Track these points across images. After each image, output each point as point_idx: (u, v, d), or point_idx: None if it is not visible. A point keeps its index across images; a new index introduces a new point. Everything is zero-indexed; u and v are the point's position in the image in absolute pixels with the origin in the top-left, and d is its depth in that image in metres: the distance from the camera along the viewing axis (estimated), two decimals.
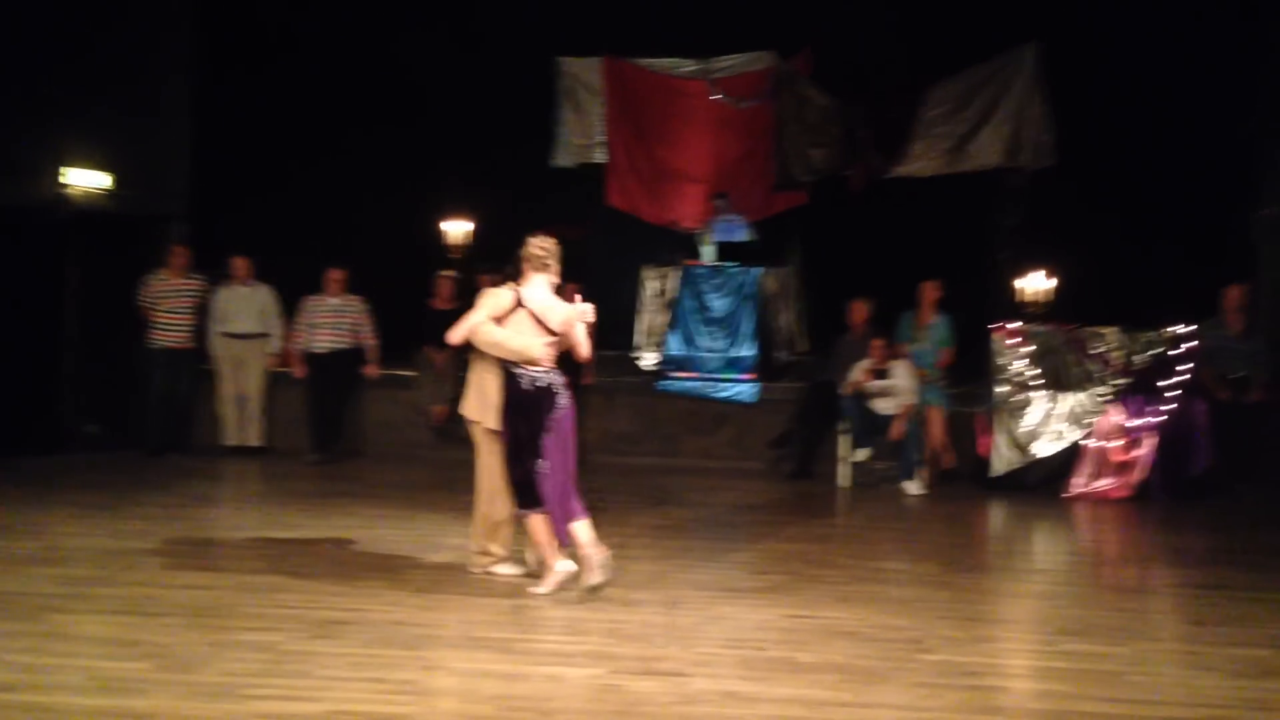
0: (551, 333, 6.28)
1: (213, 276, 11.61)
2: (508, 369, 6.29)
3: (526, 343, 6.22)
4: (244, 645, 5.43)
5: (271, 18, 13.15)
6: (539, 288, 6.37)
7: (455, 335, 6.40)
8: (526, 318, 6.27)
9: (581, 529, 6.27)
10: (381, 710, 4.70)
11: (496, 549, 6.77)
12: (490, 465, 6.61)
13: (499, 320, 6.28)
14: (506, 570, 6.71)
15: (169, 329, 11.19)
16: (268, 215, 12.43)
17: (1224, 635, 6.05)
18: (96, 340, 11.52)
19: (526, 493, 6.27)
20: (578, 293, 6.48)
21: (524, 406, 6.23)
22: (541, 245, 6.40)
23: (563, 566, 6.28)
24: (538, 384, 6.24)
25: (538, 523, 6.28)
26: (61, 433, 11.31)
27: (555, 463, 6.22)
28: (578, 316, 6.36)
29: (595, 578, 6.16)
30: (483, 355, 6.49)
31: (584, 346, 6.45)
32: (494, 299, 6.32)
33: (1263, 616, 6.43)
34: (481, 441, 6.66)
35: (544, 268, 6.38)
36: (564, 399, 6.29)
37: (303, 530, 7.99)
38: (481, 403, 6.59)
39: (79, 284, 11.39)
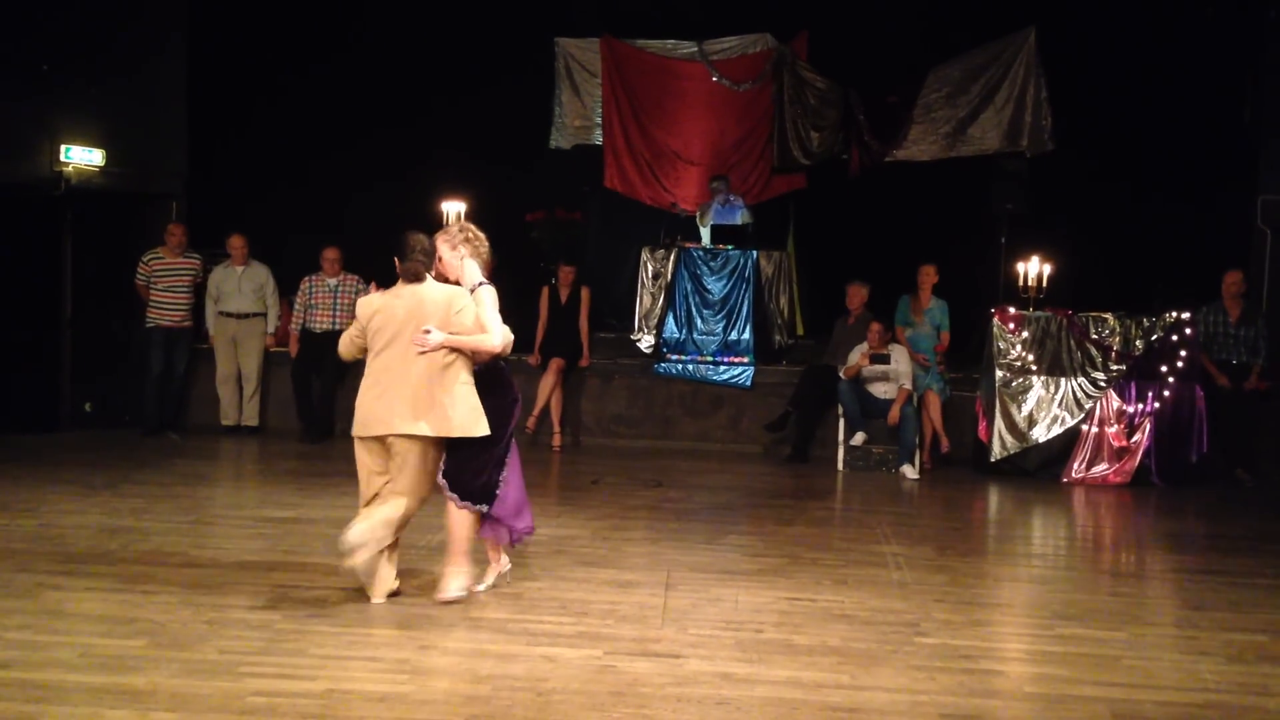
0: None
1: (210, 255, 11.58)
2: (499, 365, 6.01)
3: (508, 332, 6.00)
4: (241, 624, 5.43)
5: None
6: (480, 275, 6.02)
7: (502, 344, 5.89)
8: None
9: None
10: (377, 689, 4.70)
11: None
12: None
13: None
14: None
15: (166, 308, 11.17)
16: (265, 194, 12.38)
17: (1221, 620, 6.06)
18: (94, 319, 11.49)
19: (491, 492, 5.94)
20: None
21: (510, 400, 6.05)
22: (473, 230, 6.09)
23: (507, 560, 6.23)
24: (505, 374, 6.08)
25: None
26: (59, 411, 11.29)
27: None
28: None
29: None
30: (466, 365, 5.86)
31: None
32: (492, 295, 5.92)
33: (1259, 602, 6.45)
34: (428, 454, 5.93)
35: (477, 254, 6.01)
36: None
37: (299, 510, 7.99)
38: (472, 413, 5.85)
39: (77, 262, 11.36)
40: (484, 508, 5.94)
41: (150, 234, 11.58)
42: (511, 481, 5.99)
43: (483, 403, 5.85)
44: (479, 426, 5.83)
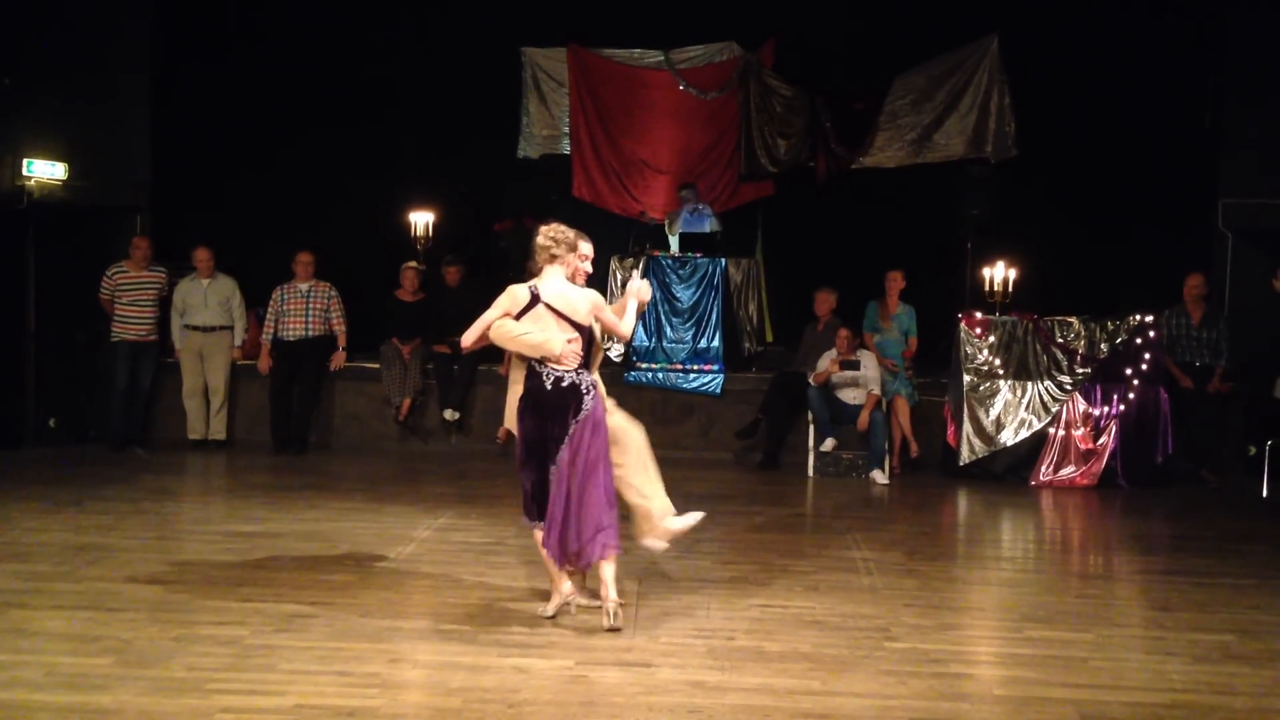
0: (577, 327, 5.81)
1: (175, 268, 11.50)
2: (530, 367, 5.82)
3: (546, 338, 5.73)
4: (208, 640, 5.39)
5: (232, 7, 13.01)
6: (554, 280, 5.92)
7: (469, 337, 5.91)
8: (546, 313, 5.79)
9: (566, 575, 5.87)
10: (347, 704, 4.67)
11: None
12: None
13: (516, 317, 5.80)
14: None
15: (131, 322, 11.07)
16: (230, 207, 12.31)
17: (1187, 621, 6.12)
18: (58, 333, 11.38)
19: (529, 503, 5.88)
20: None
21: (542, 407, 5.76)
22: (550, 235, 5.93)
23: (569, 588, 5.88)
24: (561, 383, 5.75)
25: (540, 537, 5.84)
26: (23, 427, 11.18)
27: (564, 474, 5.74)
28: (634, 293, 6.10)
29: (550, 608, 5.90)
30: (515, 363, 5.99)
31: (623, 326, 6.05)
32: (509, 295, 5.87)
33: (1225, 602, 6.51)
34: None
35: (552, 259, 5.89)
36: (591, 400, 5.78)
37: (267, 524, 7.93)
38: (508, 408, 6.08)
39: (40, 277, 11.25)
40: (526, 520, 5.98)
41: (115, 247, 11.48)
42: (552, 495, 5.78)
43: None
44: (506, 420, 6.14)
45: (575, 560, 5.84)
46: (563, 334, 5.77)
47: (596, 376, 5.97)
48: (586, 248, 6.08)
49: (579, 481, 5.75)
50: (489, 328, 5.87)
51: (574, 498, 5.75)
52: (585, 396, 5.78)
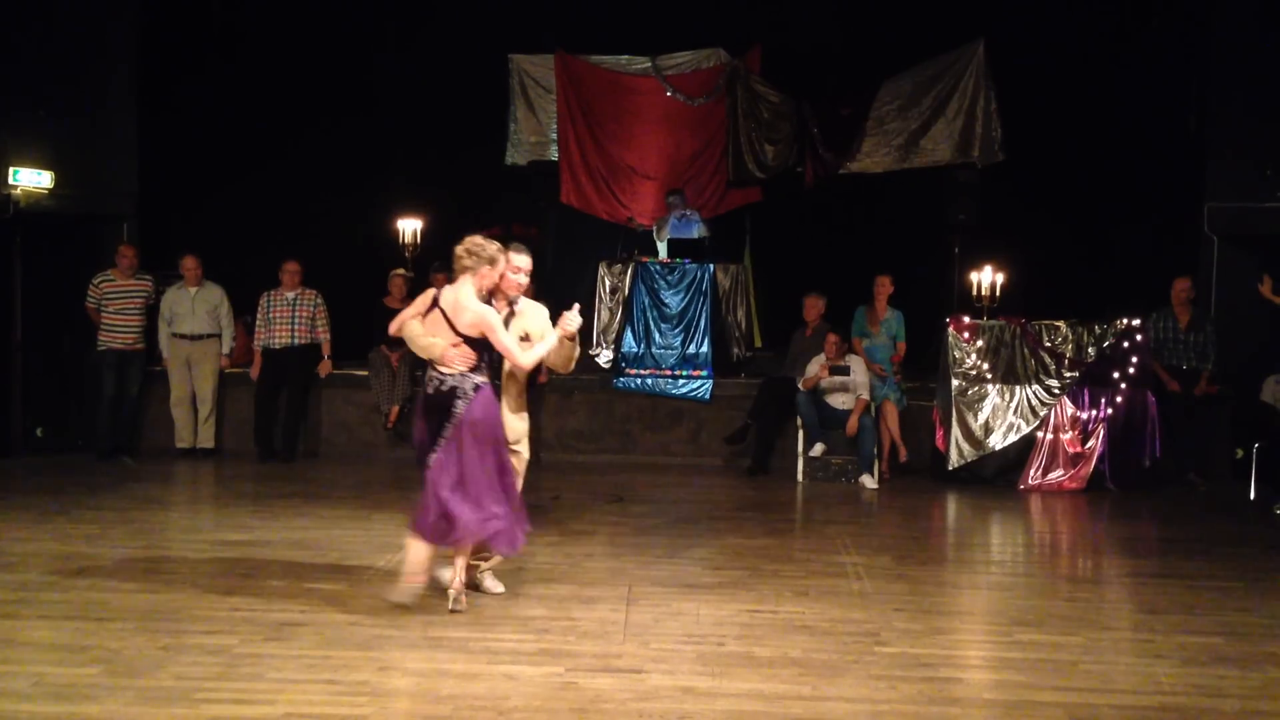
0: (460, 335, 5.92)
1: (162, 277, 11.47)
2: (426, 369, 6.09)
3: (430, 342, 5.96)
4: (197, 649, 5.37)
5: (219, 14, 12.99)
6: (459, 288, 5.98)
7: (393, 327, 6.19)
8: (438, 317, 5.97)
9: (417, 549, 6.01)
10: (336, 712, 4.66)
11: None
12: None
13: (421, 318, 6.05)
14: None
15: (118, 330, 11.04)
16: (218, 215, 12.28)
17: (1176, 623, 6.13)
18: (45, 342, 11.35)
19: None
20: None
21: (424, 410, 6.02)
22: (465, 247, 5.99)
23: (452, 575, 6.08)
24: (442, 387, 5.93)
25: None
26: (10, 436, 11.14)
27: (444, 473, 5.88)
28: (561, 324, 6.15)
29: (396, 596, 6.05)
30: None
31: (522, 356, 6.02)
32: (424, 296, 6.13)
33: (1213, 604, 6.53)
34: None
35: (463, 270, 5.97)
36: (462, 406, 5.89)
37: (256, 532, 7.91)
38: None
39: (27, 286, 11.22)
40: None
41: (101, 256, 11.46)
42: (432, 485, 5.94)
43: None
44: None
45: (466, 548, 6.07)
46: (448, 338, 5.95)
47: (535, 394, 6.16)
48: (521, 260, 6.18)
49: (455, 480, 5.88)
50: (400, 323, 6.13)
51: (450, 492, 5.87)
52: (459, 400, 5.90)
